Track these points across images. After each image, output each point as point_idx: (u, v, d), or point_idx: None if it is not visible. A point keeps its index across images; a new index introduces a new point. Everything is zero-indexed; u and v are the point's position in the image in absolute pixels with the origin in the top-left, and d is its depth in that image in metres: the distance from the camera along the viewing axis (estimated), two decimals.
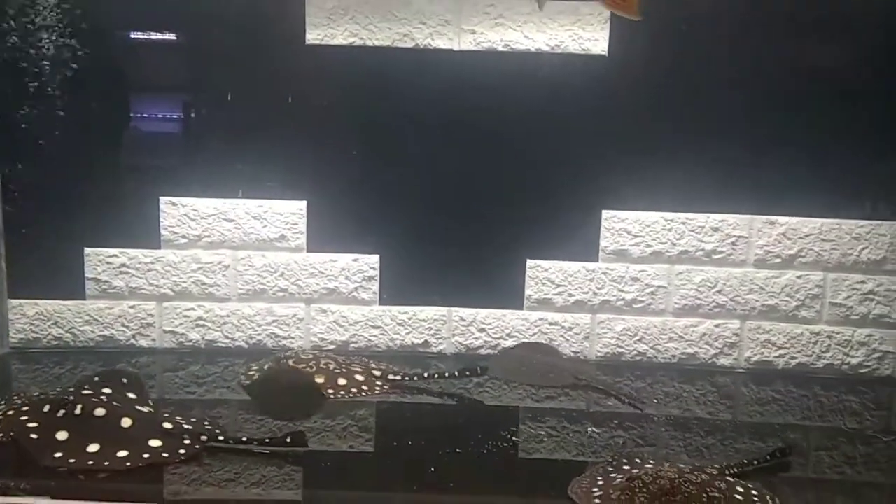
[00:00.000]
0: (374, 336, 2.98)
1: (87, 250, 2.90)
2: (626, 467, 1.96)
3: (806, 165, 2.86)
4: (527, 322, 2.97)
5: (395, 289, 2.97)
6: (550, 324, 2.97)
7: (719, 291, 2.94)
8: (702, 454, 2.17)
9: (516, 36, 2.84)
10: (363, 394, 2.50)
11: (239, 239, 2.93)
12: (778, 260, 2.92)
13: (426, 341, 2.98)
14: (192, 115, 2.94)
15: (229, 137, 2.89)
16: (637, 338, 2.96)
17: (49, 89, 2.78)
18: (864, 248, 2.90)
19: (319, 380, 2.51)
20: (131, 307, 2.93)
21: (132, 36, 2.90)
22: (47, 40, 2.76)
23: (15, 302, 2.89)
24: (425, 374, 2.61)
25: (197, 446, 2.03)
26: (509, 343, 2.97)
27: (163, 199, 2.90)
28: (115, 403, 2.11)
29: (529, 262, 2.96)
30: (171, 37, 2.90)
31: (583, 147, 2.87)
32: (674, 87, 2.84)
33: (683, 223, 2.92)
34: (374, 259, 2.95)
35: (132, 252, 2.91)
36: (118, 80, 2.90)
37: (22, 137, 2.79)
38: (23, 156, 2.81)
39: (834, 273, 2.92)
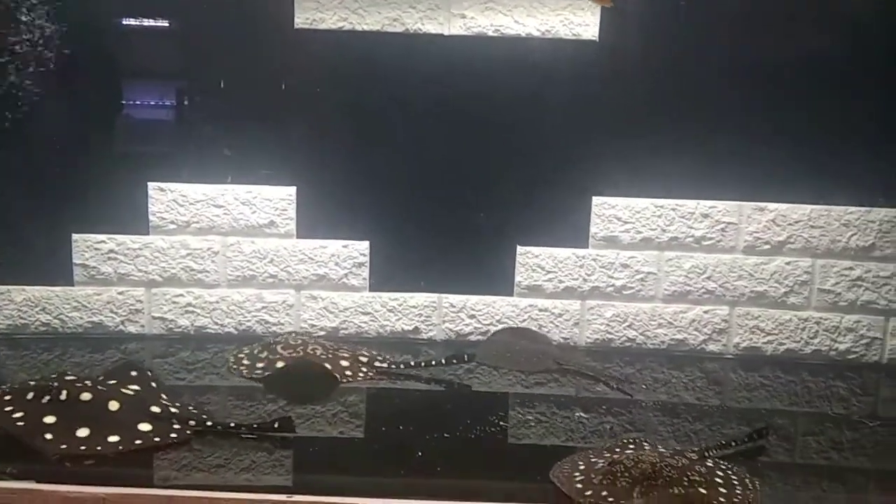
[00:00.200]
0: (364, 322, 2.98)
1: (75, 236, 2.88)
2: (608, 452, 1.97)
3: (796, 152, 2.86)
4: (517, 308, 2.98)
5: (386, 275, 2.96)
6: (540, 310, 2.98)
7: (708, 278, 2.95)
8: (690, 439, 2.19)
9: (507, 21, 2.82)
10: (346, 380, 2.50)
11: (228, 225, 2.91)
12: (767, 246, 2.93)
13: (416, 328, 2.99)
14: (183, 101, 2.92)
15: (217, 123, 2.87)
16: (626, 324, 2.97)
17: (37, 74, 2.75)
18: (852, 235, 2.92)
19: None
20: (120, 293, 2.91)
21: (120, 21, 2.86)
22: (37, 25, 2.73)
23: (2, 288, 2.87)
24: (412, 363, 2.61)
25: (188, 431, 2.03)
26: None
27: (151, 185, 2.88)
28: (100, 387, 2.11)
29: (520, 249, 2.96)
30: (159, 22, 2.87)
31: (573, 133, 2.87)
32: (664, 73, 2.84)
33: (673, 209, 2.92)
34: (365, 245, 2.94)
35: (120, 238, 2.89)
36: (106, 66, 2.87)
37: (9, 122, 2.76)
38: (9, 141, 2.78)
39: (822, 259, 2.93)
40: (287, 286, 2.96)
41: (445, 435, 2.14)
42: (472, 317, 2.98)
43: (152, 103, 2.95)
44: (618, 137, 2.86)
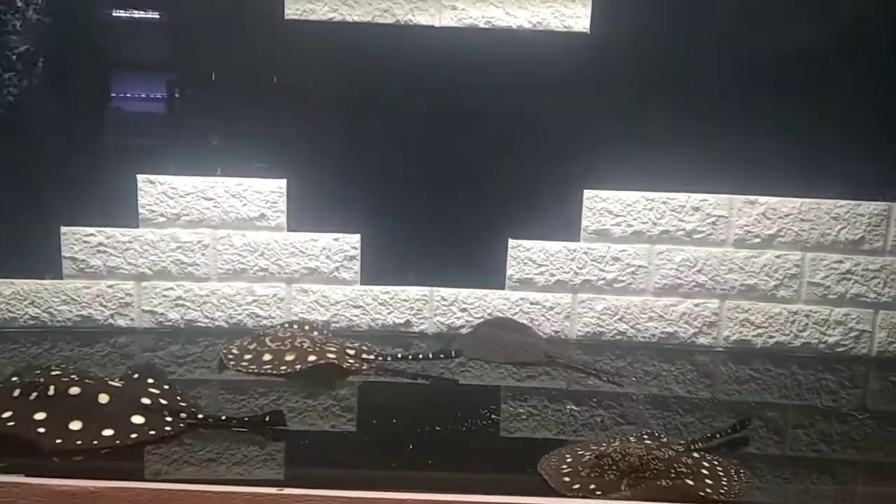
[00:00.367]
0: (356, 316, 2.97)
1: (64, 229, 2.86)
2: (594, 445, 1.97)
3: (786, 145, 2.87)
4: (508, 301, 2.98)
5: (377, 268, 2.96)
6: (532, 303, 2.98)
7: (699, 271, 2.96)
8: (680, 432, 2.19)
9: (498, 12, 2.82)
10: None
11: (218, 218, 2.90)
12: (757, 240, 2.94)
13: (408, 321, 2.98)
14: (173, 93, 2.90)
15: (207, 115, 2.85)
16: (617, 317, 2.98)
17: (26, 66, 2.72)
18: (842, 228, 2.93)
19: (289, 357, 2.51)
20: (109, 286, 2.90)
21: (110, 13, 2.84)
22: (25, 16, 2.70)
23: None
24: (399, 356, 2.60)
25: (181, 424, 2.02)
26: None
27: (140, 178, 2.86)
28: (87, 381, 2.09)
29: (511, 242, 2.96)
30: (148, 14, 2.85)
31: (564, 126, 2.87)
32: (656, 65, 2.84)
33: (664, 203, 2.93)
34: (356, 238, 2.94)
35: (110, 231, 2.87)
36: (95, 58, 2.85)
37: None
38: None
39: (812, 253, 2.95)
40: (278, 279, 2.95)
41: (437, 428, 2.13)
42: (464, 310, 2.98)
43: (141, 95, 2.92)
44: (609, 130, 2.86)
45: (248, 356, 2.55)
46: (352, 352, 2.61)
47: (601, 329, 2.99)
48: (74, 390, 2.02)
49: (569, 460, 1.89)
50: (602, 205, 2.93)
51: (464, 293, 2.97)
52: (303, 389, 2.39)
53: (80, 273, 2.88)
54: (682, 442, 2.03)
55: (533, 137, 2.88)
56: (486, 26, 2.82)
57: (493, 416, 2.24)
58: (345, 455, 2.02)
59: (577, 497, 1.75)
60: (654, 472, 1.80)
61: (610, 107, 2.85)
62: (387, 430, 2.13)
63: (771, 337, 2.98)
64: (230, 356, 2.57)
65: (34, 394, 2.00)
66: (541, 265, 2.96)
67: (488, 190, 2.92)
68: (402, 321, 2.98)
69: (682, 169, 2.89)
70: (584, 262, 2.96)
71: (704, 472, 1.86)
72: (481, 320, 2.96)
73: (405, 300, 2.97)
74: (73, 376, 2.11)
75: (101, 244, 2.87)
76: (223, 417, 2.08)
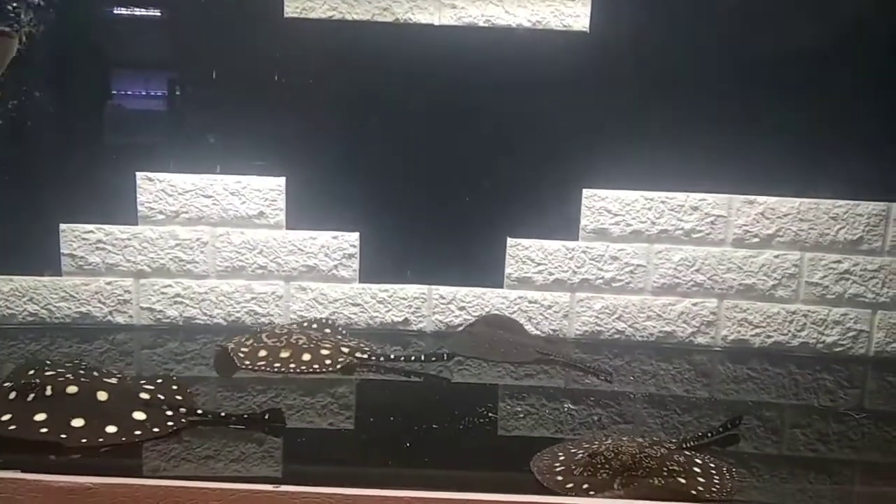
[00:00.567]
0: (354, 314, 2.97)
1: (63, 226, 2.86)
2: (586, 443, 1.97)
3: (785, 145, 2.87)
4: (506, 300, 2.98)
5: (376, 266, 2.96)
6: (530, 302, 2.98)
7: (697, 270, 2.96)
8: (678, 431, 2.20)
9: (497, 11, 2.82)
10: (325, 370, 2.50)
11: (217, 215, 2.90)
12: (756, 239, 2.95)
13: (406, 319, 2.98)
14: (172, 90, 2.91)
15: (206, 112, 2.86)
16: (616, 316, 2.98)
17: (25, 64, 2.72)
18: (840, 228, 2.93)
19: (284, 354, 2.52)
20: (108, 283, 2.90)
21: (109, 10, 2.84)
22: (23, 14, 2.70)
23: None
24: (391, 356, 2.60)
25: (183, 420, 2.02)
26: None
27: (139, 175, 2.86)
28: (83, 379, 2.09)
29: (510, 241, 2.96)
30: (147, 11, 2.85)
31: (563, 125, 2.87)
32: (655, 65, 2.84)
33: (663, 202, 2.93)
34: (355, 236, 2.94)
35: (108, 228, 2.87)
36: (94, 56, 2.85)
37: None
38: None
39: (811, 252, 2.95)
40: (276, 277, 2.95)
41: (434, 426, 2.14)
42: (462, 308, 2.98)
43: (141, 93, 2.93)
44: (608, 129, 2.86)
45: (244, 350, 2.57)
46: (346, 349, 2.62)
47: (599, 328, 2.99)
48: (72, 389, 2.02)
49: (561, 458, 1.89)
50: (601, 204, 2.93)
51: (462, 291, 2.98)
52: (301, 387, 2.39)
53: (79, 270, 2.88)
54: (674, 440, 2.03)
55: (532, 136, 2.89)
56: (486, 25, 2.82)
57: (490, 415, 2.24)
58: (342, 453, 2.02)
59: (571, 496, 1.75)
60: (647, 470, 1.81)
61: (609, 106, 2.85)
62: (384, 428, 2.13)
63: (769, 336, 2.99)
64: (238, 353, 2.58)
65: (31, 395, 1.98)
66: (539, 264, 2.96)
67: (487, 188, 2.92)
68: (400, 319, 2.98)
69: (680, 168, 2.89)
70: (583, 260, 2.96)
71: (696, 470, 1.86)
72: (473, 319, 2.96)
73: (404, 298, 2.98)
74: (68, 376, 2.09)
75: (99, 241, 2.88)
76: (223, 414, 2.08)
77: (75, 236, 2.87)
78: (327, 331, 2.77)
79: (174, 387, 2.21)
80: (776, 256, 2.95)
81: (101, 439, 1.90)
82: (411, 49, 2.82)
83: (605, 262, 2.96)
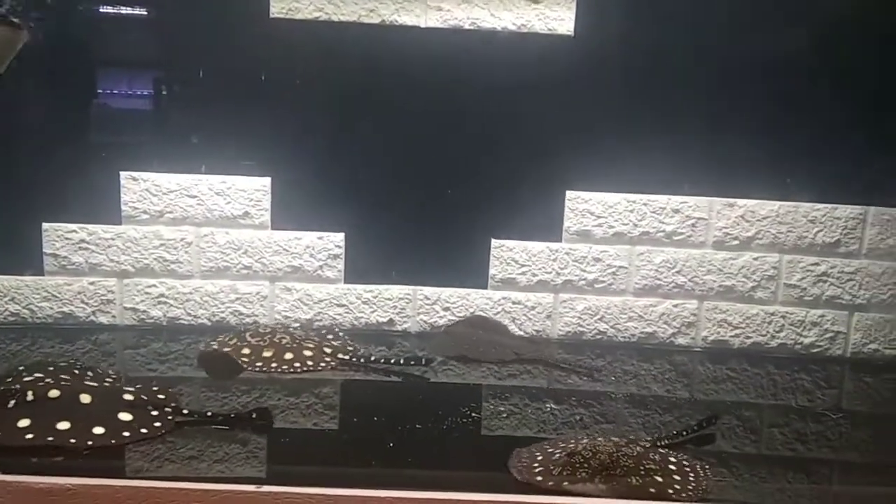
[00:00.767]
0: (339, 314, 2.98)
1: (46, 225, 2.84)
2: (562, 443, 2.00)
3: (765, 149, 2.91)
4: (490, 301, 3.00)
5: (361, 267, 2.97)
6: (514, 303, 3.00)
7: (678, 272, 2.99)
8: (659, 430, 2.22)
9: (483, 14, 2.83)
10: (306, 369, 2.52)
11: (202, 215, 2.89)
12: (736, 242, 2.98)
13: (391, 320, 3.00)
14: (156, 90, 2.90)
15: (191, 112, 2.85)
16: (598, 317, 3.01)
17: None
18: (818, 231, 2.97)
19: (267, 354, 2.54)
20: (91, 283, 2.89)
21: (93, 9, 2.83)
22: (8, 12, 2.68)
23: None
24: (372, 358, 2.61)
25: (169, 418, 2.02)
26: None
27: (123, 174, 2.85)
28: (64, 383, 2.07)
29: (494, 242, 2.98)
30: (133, 10, 2.84)
31: (547, 128, 2.89)
32: (638, 69, 2.87)
33: (645, 205, 2.96)
34: (340, 237, 2.95)
35: (92, 227, 2.86)
36: (78, 54, 2.83)
37: None
38: None
39: (789, 255, 2.99)
40: (261, 277, 2.95)
41: (417, 426, 2.15)
42: (447, 309, 3.00)
43: (125, 92, 2.91)
44: (592, 132, 2.88)
45: (226, 350, 2.57)
46: (329, 350, 2.63)
47: (582, 329, 3.01)
48: (54, 393, 2.00)
49: (539, 458, 1.91)
50: (584, 206, 2.96)
51: (447, 292, 2.99)
52: (285, 387, 2.39)
53: (62, 270, 2.87)
54: (649, 439, 2.06)
55: (516, 138, 2.90)
56: (472, 28, 2.84)
57: (473, 415, 2.26)
58: (325, 453, 2.02)
59: (555, 496, 1.77)
60: (625, 469, 1.83)
61: (593, 109, 2.88)
62: (367, 429, 2.14)
63: (748, 337, 3.02)
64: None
65: (12, 401, 1.96)
66: (523, 265, 2.99)
67: (472, 190, 2.94)
68: (385, 320, 2.99)
69: (662, 171, 2.92)
70: (566, 262, 2.98)
71: (672, 468, 1.89)
72: (455, 320, 2.98)
73: (389, 299, 2.99)
74: (48, 380, 2.07)
75: (83, 241, 2.86)
76: (209, 414, 2.08)
77: (58, 236, 2.85)
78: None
79: (155, 387, 2.21)
80: (755, 258, 2.99)
81: (89, 441, 1.89)
82: (397, 51, 2.82)
83: (588, 264, 2.99)
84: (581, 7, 2.83)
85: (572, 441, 2.00)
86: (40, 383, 2.05)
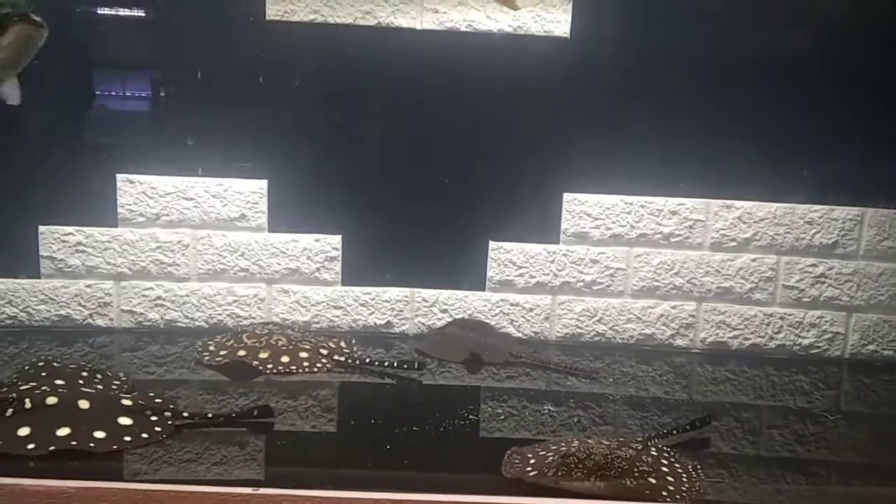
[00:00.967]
0: (337, 317, 2.97)
1: (42, 228, 2.84)
2: (554, 446, 1.99)
3: (762, 150, 2.91)
4: (488, 303, 2.99)
5: (358, 269, 2.96)
6: (512, 304, 3.00)
7: (676, 274, 2.99)
8: (658, 432, 2.22)
9: (479, 16, 2.83)
10: (303, 371, 2.52)
11: (198, 218, 2.89)
12: (733, 243, 2.98)
13: (389, 322, 2.99)
14: (153, 92, 2.89)
15: (187, 114, 2.85)
16: (596, 318, 3.01)
17: None
18: (816, 232, 2.97)
19: (263, 355, 2.53)
20: (88, 286, 2.88)
21: (89, 11, 2.82)
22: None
23: None
24: (367, 360, 2.61)
25: (169, 422, 2.01)
26: None
27: (120, 177, 2.85)
28: (61, 390, 2.06)
29: (492, 244, 2.97)
30: (129, 12, 2.84)
31: (544, 130, 2.89)
32: (634, 71, 2.87)
33: (642, 206, 2.96)
34: (337, 239, 2.94)
35: (88, 230, 2.85)
36: (75, 56, 2.83)
37: None
38: None
39: (787, 256, 2.99)
40: (258, 280, 2.94)
41: (415, 428, 2.15)
42: (445, 311, 2.99)
43: (122, 94, 2.91)
44: (589, 134, 2.88)
45: (224, 352, 2.58)
46: (325, 351, 2.62)
47: (580, 330, 3.01)
48: (51, 400, 1.98)
49: (532, 462, 1.90)
50: (581, 208, 2.96)
51: (445, 294, 2.99)
52: (283, 389, 2.39)
53: (59, 272, 2.86)
54: (640, 439, 2.06)
55: (513, 140, 2.90)
56: (468, 30, 2.84)
57: (471, 417, 2.25)
58: (323, 455, 2.02)
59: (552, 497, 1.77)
60: (619, 470, 1.82)
61: (589, 111, 2.88)
62: (365, 431, 2.14)
63: (746, 339, 3.02)
64: (206, 352, 2.59)
65: (9, 410, 1.94)
66: (521, 267, 2.98)
67: (469, 192, 2.94)
68: (382, 322, 2.99)
69: (660, 173, 2.92)
70: (564, 264, 2.98)
71: (665, 469, 1.89)
72: (449, 320, 2.98)
73: (386, 301, 2.98)
74: (44, 387, 2.06)
75: (79, 243, 2.86)
76: (210, 415, 2.08)
77: (55, 238, 2.85)
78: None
79: (151, 393, 2.20)
80: (753, 260, 2.99)
81: (91, 444, 1.87)
82: (393, 53, 2.82)
83: (586, 266, 2.98)
84: (577, 9, 2.83)
85: (563, 444, 1.99)
86: (37, 391, 2.03)
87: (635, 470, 1.84)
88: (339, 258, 2.95)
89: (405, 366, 2.58)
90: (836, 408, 2.57)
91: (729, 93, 2.89)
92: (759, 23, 2.88)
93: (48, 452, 1.83)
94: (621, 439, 2.05)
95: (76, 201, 2.83)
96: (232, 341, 2.62)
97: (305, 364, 2.54)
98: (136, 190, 2.86)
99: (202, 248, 2.91)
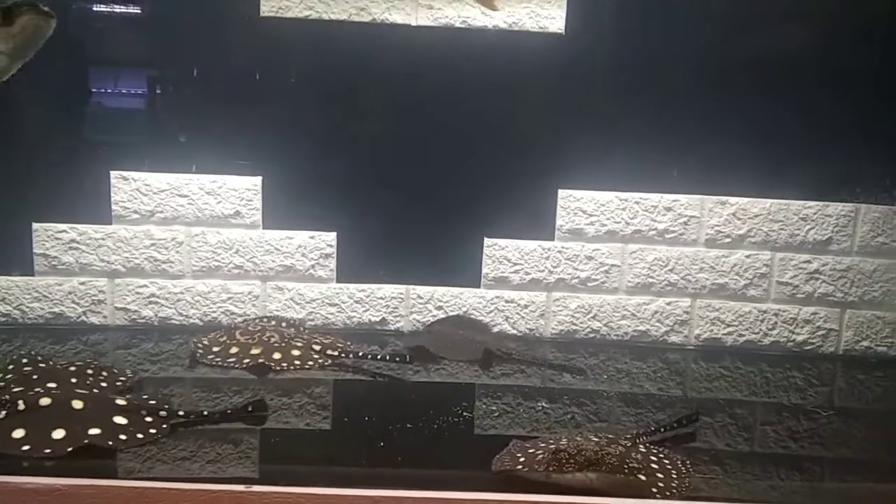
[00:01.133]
0: (332, 314, 2.97)
1: (36, 225, 2.83)
2: (543, 443, 1.99)
3: (757, 147, 2.91)
4: (483, 300, 2.99)
5: (353, 266, 2.96)
6: (507, 301, 3.00)
7: (671, 270, 2.99)
8: (646, 429, 2.22)
9: (474, 12, 2.83)
10: (294, 367, 2.52)
11: (193, 215, 2.88)
12: (728, 240, 2.99)
13: (383, 319, 2.99)
14: (147, 89, 2.89)
15: (180, 111, 2.84)
16: (591, 315, 3.01)
17: None
18: (810, 229, 2.98)
19: (255, 351, 2.54)
20: (81, 284, 2.87)
21: (83, 7, 2.81)
22: None
23: None
24: (360, 354, 2.60)
25: (164, 425, 2.00)
26: None
27: (113, 174, 2.84)
28: (54, 391, 2.05)
29: (487, 241, 2.97)
30: (123, 8, 2.83)
31: (539, 126, 2.89)
32: (629, 67, 2.87)
33: (637, 203, 2.96)
34: (332, 236, 2.94)
35: (82, 227, 2.85)
36: (69, 53, 2.81)
37: None
38: None
39: (781, 253, 2.99)
40: (253, 277, 2.94)
41: (409, 425, 2.15)
42: (440, 308, 2.99)
43: (115, 91, 2.90)
44: (583, 131, 2.88)
45: (216, 348, 2.58)
46: (317, 347, 2.62)
47: (575, 327, 3.01)
48: (45, 401, 1.97)
49: (522, 460, 1.90)
50: (576, 204, 2.96)
51: (440, 291, 2.99)
52: (278, 387, 2.39)
53: (52, 270, 2.85)
54: (629, 436, 2.06)
55: (508, 137, 2.90)
56: (462, 26, 2.83)
57: (465, 414, 2.26)
58: (317, 452, 2.02)
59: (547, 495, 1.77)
60: (609, 466, 1.82)
61: (584, 107, 2.88)
62: (359, 428, 2.14)
63: (741, 335, 3.03)
64: (200, 348, 2.59)
65: (3, 412, 1.93)
66: (516, 264, 2.98)
67: (464, 189, 2.93)
68: (377, 319, 2.99)
69: (654, 169, 2.92)
70: (559, 260, 2.98)
71: (654, 466, 1.89)
72: (439, 317, 2.98)
73: (381, 298, 2.98)
74: (37, 389, 2.05)
75: (73, 241, 2.85)
76: (205, 413, 2.07)
77: (48, 236, 2.84)
78: (283, 327, 2.78)
79: (145, 396, 2.19)
80: (748, 256, 2.99)
81: (86, 441, 1.87)
82: (388, 49, 2.82)
83: (581, 262, 2.98)
84: (572, 5, 2.82)
85: (552, 441, 1.99)
86: (30, 392, 2.03)
87: (625, 466, 1.84)
88: (334, 255, 2.95)
89: (396, 358, 2.58)
90: (830, 404, 2.57)
91: (724, 89, 2.88)
92: (754, 19, 2.87)
93: (44, 455, 1.82)
94: (610, 436, 2.05)
95: (70, 198, 2.82)
96: (225, 337, 2.63)
97: (297, 361, 2.54)
98: (130, 187, 2.85)
99: (196, 246, 2.90)
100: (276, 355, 2.54)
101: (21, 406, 1.95)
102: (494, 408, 2.32)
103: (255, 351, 2.54)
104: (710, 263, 2.99)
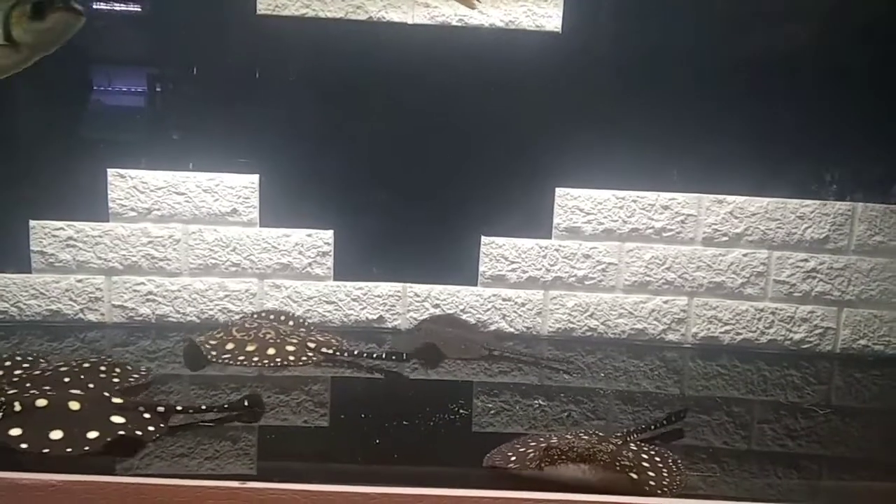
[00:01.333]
0: (329, 312, 2.97)
1: (33, 223, 2.83)
2: (533, 442, 1.99)
3: (754, 145, 2.92)
4: (480, 298, 2.99)
5: (350, 264, 2.96)
6: (504, 300, 3.00)
7: (668, 268, 2.99)
8: (636, 427, 2.22)
9: (470, 10, 2.83)
10: (287, 364, 2.53)
11: (190, 213, 2.88)
12: (725, 238, 2.99)
13: (381, 317, 2.99)
14: (144, 87, 2.88)
15: (177, 109, 2.84)
16: (588, 313, 3.01)
17: None
18: (807, 227, 2.98)
19: (250, 348, 2.54)
20: (79, 281, 2.87)
21: (81, 5, 2.80)
22: None
23: None
24: (355, 352, 2.61)
25: (162, 425, 2.00)
26: None
27: (111, 171, 2.84)
28: (49, 393, 2.04)
29: (484, 239, 2.97)
30: (120, 7, 2.83)
31: (536, 124, 2.89)
32: (626, 65, 2.87)
33: (634, 201, 2.96)
34: (329, 234, 2.94)
35: (79, 225, 2.85)
36: (66, 51, 2.79)
37: None
38: None
39: (778, 251, 3.00)
40: (250, 275, 2.94)
41: (405, 423, 2.14)
42: (437, 306, 2.99)
43: (112, 88, 2.90)
44: (580, 129, 2.88)
45: (213, 342, 2.59)
46: (312, 344, 2.62)
47: (572, 325, 3.01)
48: (41, 402, 1.96)
49: (512, 457, 1.90)
50: (573, 203, 2.96)
51: (437, 289, 2.99)
52: (275, 384, 2.39)
53: (49, 267, 2.85)
54: (619, 434, 2.06)
55: (505, 135, 2.90)
56: (459, 24, 2.83)
57: (462, 412, 2.25)
58: (314, 449, 2.02)
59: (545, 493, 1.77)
60: (601, 463, 1.82)
61: (581, 106, 2.88)
62: (356, 425, 2.14)
63: (738, 334, 3.03)
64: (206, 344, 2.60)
65: None
66: (513, 262, 2.98)
67: (461, 187, 2.94)
68: (375, 317, 2.99)
69: (651, 168, 2.93)
70: (556, 259, 2.98)
71: (645, 464, 1.89)
72: (428, 315, 2.98)
73: (378, 296, 2.98)
74: (33, 391, 2.04)
75: (70, 238, 2.85)
76: (203, 407, 2.08)
77: (45, 233, 2.84)
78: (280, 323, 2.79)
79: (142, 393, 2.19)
80: (745, 255, 2.99)
81: (86, 447, 1.86)
82: (384, 48, 2.82)
83: (578, 261, 2.99)
84: (568, 4, 2.82)
85: (542, 439, 1.99)
86: (26, 394, 2.02)
87: (616, 464, 1.84)
88: (331, 253, 2.95)
89: (393, 357, 2.58)
90: (827, 403, 2.58)
91: (721, 87, 2.89)
92: (750, 18, 2.88)
93: (41, 453, 1.82)
94: (600, 434, 2.05)
95: (67, 196, 2.83)
96: (222, 334, 2.64)
97: (292, 357, 2.55)
98: (127, 184, 2.85)
99: (194, 243, 2.90)
100: (270, 351, 2.54)
101: (17, 407, 1.94)
102: (491, 405, 2.32)
103: (250, 348, 2.54)
104: (708, 262, 2.99)
